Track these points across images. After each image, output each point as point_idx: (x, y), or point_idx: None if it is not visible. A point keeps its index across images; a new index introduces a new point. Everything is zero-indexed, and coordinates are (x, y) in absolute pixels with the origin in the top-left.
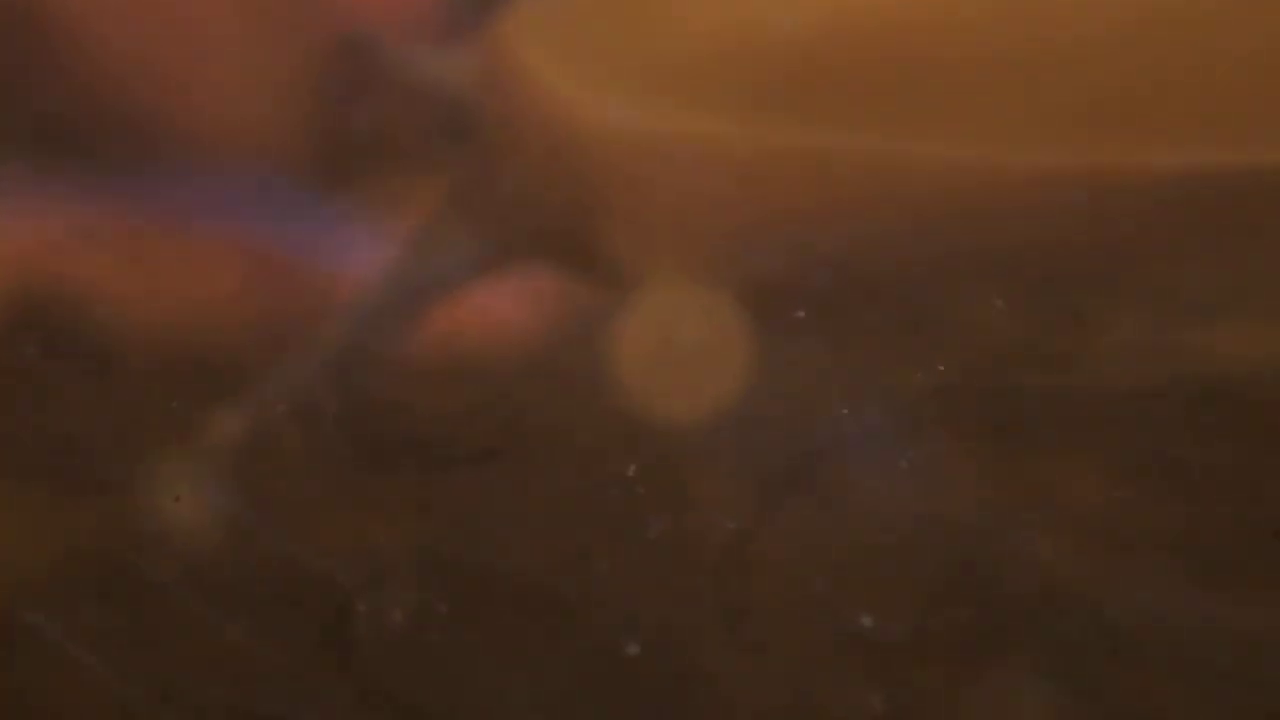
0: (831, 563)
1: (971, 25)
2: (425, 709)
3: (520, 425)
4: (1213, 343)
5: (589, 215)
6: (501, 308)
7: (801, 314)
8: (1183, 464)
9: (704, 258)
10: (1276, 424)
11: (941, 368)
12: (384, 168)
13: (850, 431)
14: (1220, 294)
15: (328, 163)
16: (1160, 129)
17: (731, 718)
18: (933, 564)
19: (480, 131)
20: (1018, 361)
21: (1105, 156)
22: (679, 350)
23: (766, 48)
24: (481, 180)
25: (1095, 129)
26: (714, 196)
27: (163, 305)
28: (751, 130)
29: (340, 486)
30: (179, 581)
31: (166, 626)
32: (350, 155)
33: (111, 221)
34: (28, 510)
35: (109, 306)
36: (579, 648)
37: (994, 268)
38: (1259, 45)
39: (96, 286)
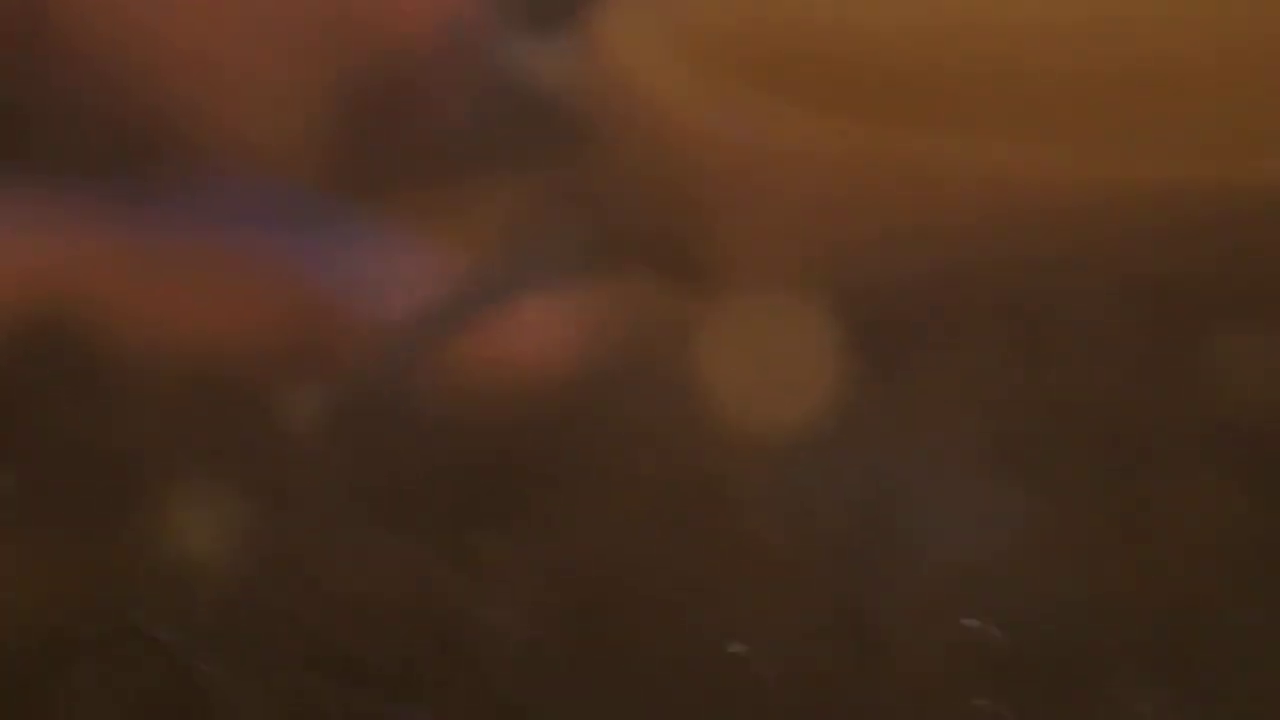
0: (942, 574)
1: (1087, 31)
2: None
3: (597, 437)
4: None
5: (684, 219)
6: (553, 325)
7: (903, 334)
8: None
9: (804, 268)
10: None
11: (1054, 395)
12: (425, 181)
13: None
14: None
15: (360, 178)
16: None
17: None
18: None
19: (576, 130)
20: (1136, 379)
21: (1225, 168)
22: (769, 363)
23: (874, 50)
24: (577, 181)
25: (1217, 140)
26: (817, 203)
27: (185, 326)
28: (859, 135)
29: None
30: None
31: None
32: (386, 169)
33: (131, 241)
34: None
35: (128, 328)
36: (683, 650)
37: (1112, 286)
38: None
39: (115, 307)
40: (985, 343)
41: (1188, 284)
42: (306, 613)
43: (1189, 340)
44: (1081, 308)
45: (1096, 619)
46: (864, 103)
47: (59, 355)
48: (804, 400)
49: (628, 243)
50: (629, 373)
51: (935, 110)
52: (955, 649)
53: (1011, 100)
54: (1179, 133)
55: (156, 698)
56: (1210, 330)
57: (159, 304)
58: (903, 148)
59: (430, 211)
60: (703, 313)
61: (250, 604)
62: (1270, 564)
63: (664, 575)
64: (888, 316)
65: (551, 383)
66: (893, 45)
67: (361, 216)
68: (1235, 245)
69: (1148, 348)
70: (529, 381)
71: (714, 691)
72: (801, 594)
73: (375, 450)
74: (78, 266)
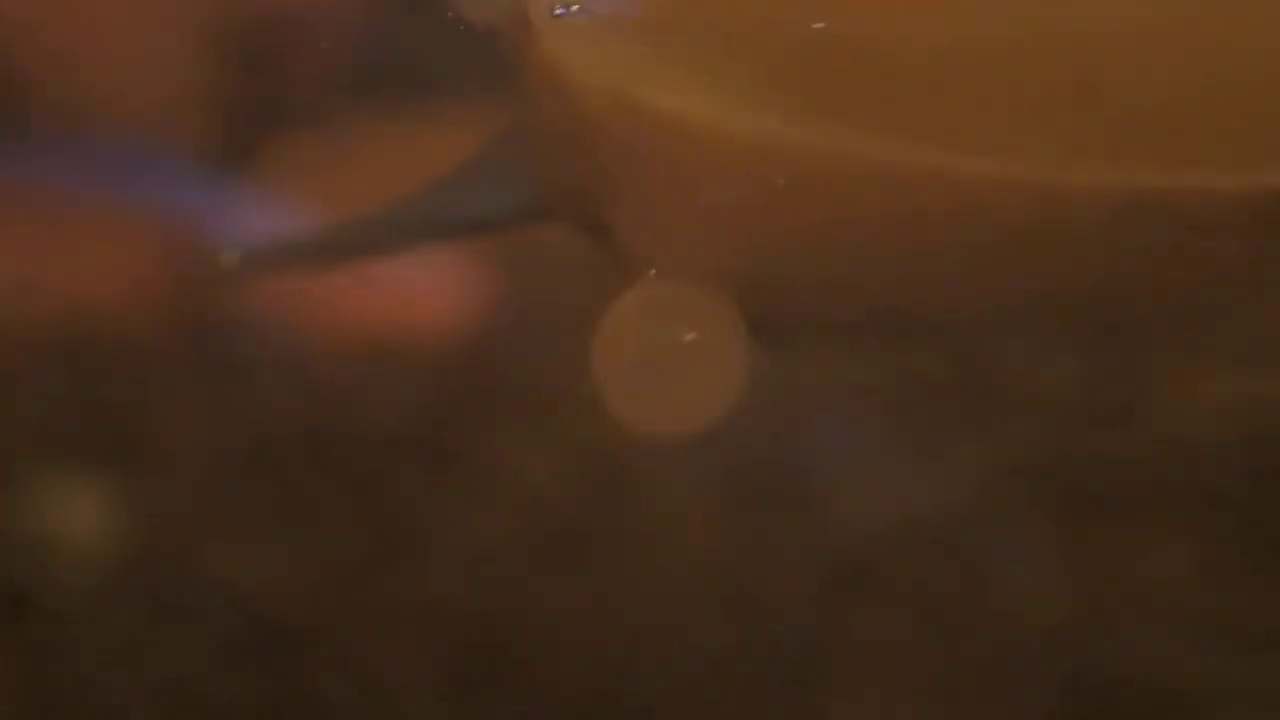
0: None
1: (1050, 42)
2: None
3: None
4: None
5: (607, 189)
6: (446, 286)
7: (825, 349)
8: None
9: (719, 263)
10: None
11: (994, 431)
12: (304, 132)
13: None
14: None
15: (237, 132)
16: (1248, 154)
17: None
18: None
19: (514, 78)
20: (1083, 422)
21: (1185, 182)
22: (669, 347)
23: (831, 48)
24: (512, 129)
25: (1174, 152)
26: (743, 197)
27: (50, 286)
28: (800, 131)
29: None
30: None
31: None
32: (264, 121)
33: None
34: None
35: None
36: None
37: (1057, 313)
38: None
39: None
40: (916, 379)
41: (1143, 306)
42: (181, 590)
43: (1144, 373)
44: (1022, 340)
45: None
46: (814, 99)
47: None
48: (703, 389)
49: (552, 198)
50: (527, 340)
51: (889, 113)
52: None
53: (947, 106)
54: (1130, 143)
55: (33, 673)
56: (1164, 360)
57: (22, 265)
58: (831, 146)
59: (314, 163)
60: (611, 285)
61: (125, 581)
62: (1224, 613)
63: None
64: (798, 316)
65: (442, 345)
66: (842, 45)
67: (238, 171)
68: (1181, 263)
69: (1096, 382)
70: (420, 342)
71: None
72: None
73: (249, 411)
74: None
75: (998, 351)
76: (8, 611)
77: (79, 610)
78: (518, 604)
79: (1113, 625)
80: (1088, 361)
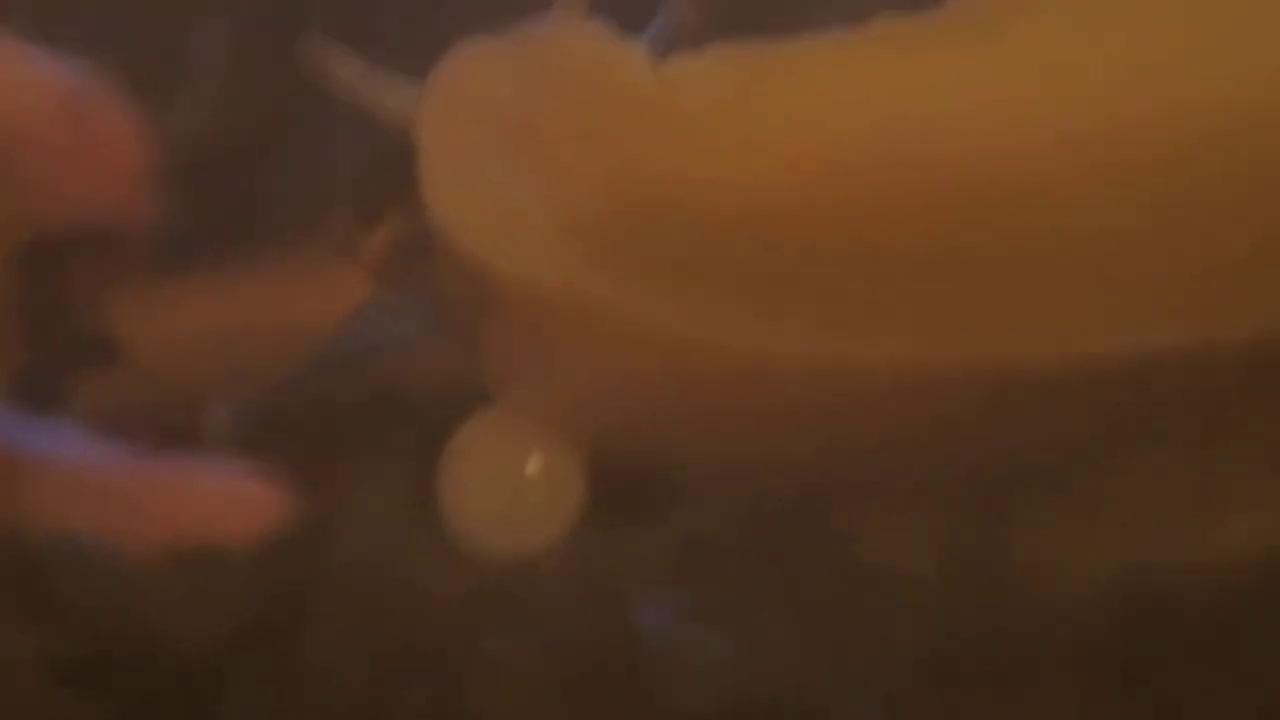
0: None
1: (890, 212)
2: None
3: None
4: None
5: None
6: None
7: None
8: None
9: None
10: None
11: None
12: None
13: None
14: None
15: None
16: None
17: None
18: None
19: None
20: (948, 600)
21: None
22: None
23: (698, 218)
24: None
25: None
26: (597, 364)
27: None
28: (649, 301)
29: None
30: None
31: None
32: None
33: None
34: None
35: None
36: None
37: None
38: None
39: None
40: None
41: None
42: None
43: (1004, 531)
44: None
45: None
46: (671, 270)
47: None
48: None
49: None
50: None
51: (752, 287)
52: None
53: (815, 279)
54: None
55: None
56: (1019, 526)
57: None
58: (715, 328)
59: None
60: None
61: None
62: None
63: None
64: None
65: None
66: (730, 222)
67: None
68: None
69: (957, 555)
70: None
71: None
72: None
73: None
74: None
75: (861, 523)
76: None
77: None
78: None
79: None
80: (956, 533)
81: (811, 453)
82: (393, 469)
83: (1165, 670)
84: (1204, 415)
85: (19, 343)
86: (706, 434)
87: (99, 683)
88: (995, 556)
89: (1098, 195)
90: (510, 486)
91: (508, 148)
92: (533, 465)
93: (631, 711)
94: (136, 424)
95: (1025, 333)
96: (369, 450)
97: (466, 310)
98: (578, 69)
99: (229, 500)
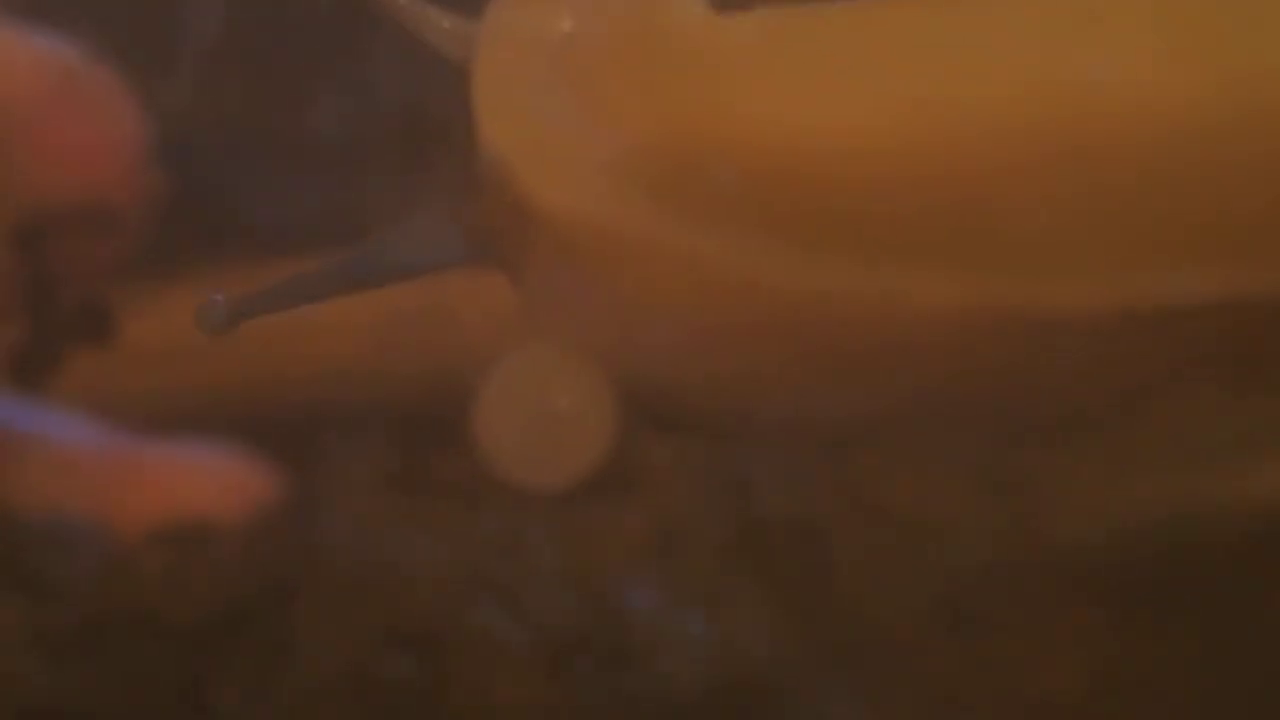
0: None
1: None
2: None
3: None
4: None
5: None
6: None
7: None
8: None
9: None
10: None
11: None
12: None
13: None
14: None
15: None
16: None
17: None
18: None
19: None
20: (969, 533)
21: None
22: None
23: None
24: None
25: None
26: (639, 301)
27: None
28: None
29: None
30: None
31: None
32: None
33: None
34: None
35: None
36: None
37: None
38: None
39: None
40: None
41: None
42: None
43: (1038, 473)
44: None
45: None
46: (726, 210)
47: None
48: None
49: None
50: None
51: (803, 227)
52: None
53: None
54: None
55: None
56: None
57: None
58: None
59: None
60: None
61: None
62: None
63: None
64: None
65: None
66: (790, 163)
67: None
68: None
69: (980, 491)
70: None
71: None
72: None
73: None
74: None
75: (888, 467)
76: None
77: None
78: None
79: None
80: (990, 476)
81: (853, 398)
82: (379, 446)
83: (1198, 612)
84: (1240, 361)
85: (13, 320)
86: (743, 375)
87: (86, 661)
88: (1029, 498)
89: (1136, 142)
90: (544, 421)
91: (561, 82)
92: (566, 401)
93: (618, 689)
94: (125, 405)
95: (1069, 278)
96: (355, 428)
97: (510, 243)
98: (633, 7)
99: (216, 479)
